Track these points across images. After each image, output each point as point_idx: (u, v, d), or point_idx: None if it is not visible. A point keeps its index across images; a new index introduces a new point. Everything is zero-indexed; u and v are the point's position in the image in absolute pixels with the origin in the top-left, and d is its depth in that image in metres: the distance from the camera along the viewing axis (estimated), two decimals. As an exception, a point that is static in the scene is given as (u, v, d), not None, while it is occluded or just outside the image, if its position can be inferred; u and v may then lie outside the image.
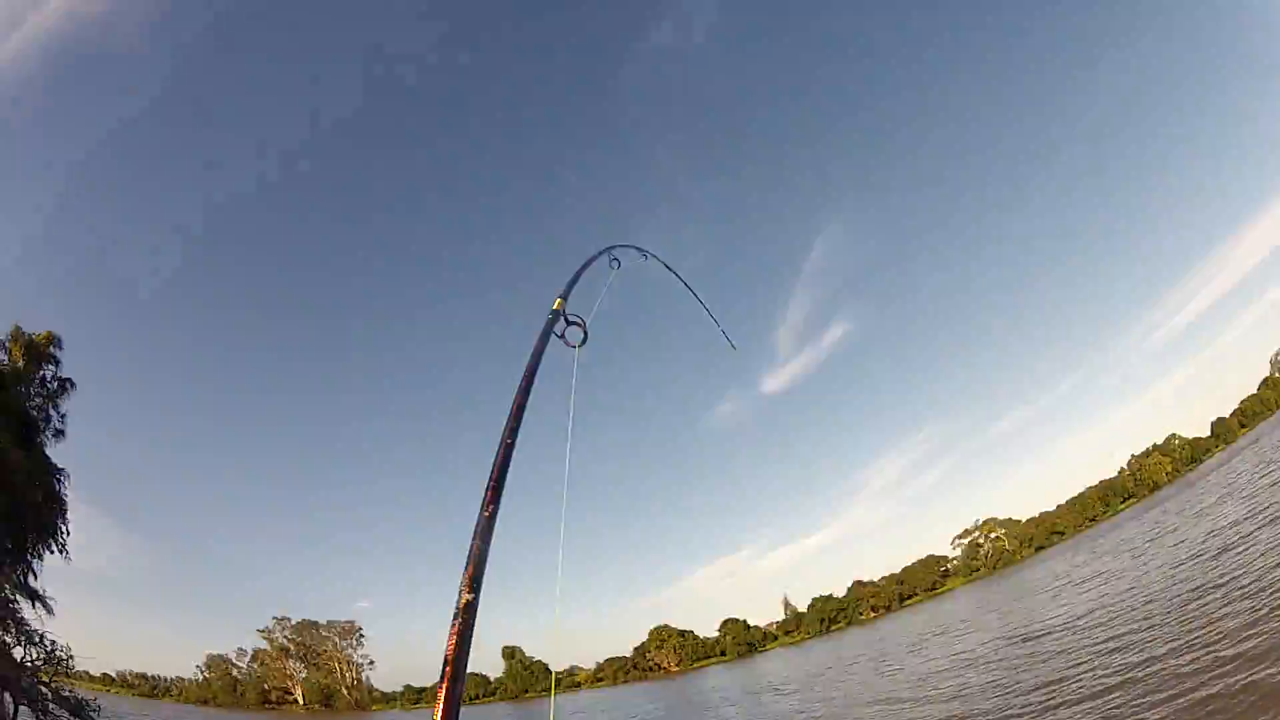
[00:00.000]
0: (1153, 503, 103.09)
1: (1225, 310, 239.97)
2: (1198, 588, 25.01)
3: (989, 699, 23.18)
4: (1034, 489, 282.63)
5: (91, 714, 28.28)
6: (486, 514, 2.82)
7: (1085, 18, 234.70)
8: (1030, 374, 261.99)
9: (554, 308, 4.33)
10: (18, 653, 28.14)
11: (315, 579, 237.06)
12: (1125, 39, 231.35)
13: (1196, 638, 18.92)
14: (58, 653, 28.72)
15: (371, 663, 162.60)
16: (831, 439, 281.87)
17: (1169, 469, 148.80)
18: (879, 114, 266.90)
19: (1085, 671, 20.99)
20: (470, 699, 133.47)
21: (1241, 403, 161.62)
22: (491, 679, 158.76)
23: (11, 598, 29.10)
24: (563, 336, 4.28)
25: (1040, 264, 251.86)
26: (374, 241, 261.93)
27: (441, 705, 2.28)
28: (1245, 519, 34.04)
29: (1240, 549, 27.15)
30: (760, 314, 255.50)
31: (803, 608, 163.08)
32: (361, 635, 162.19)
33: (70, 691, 28.42)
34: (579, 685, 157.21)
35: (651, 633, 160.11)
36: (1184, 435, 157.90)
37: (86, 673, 35.83)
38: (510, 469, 3.12)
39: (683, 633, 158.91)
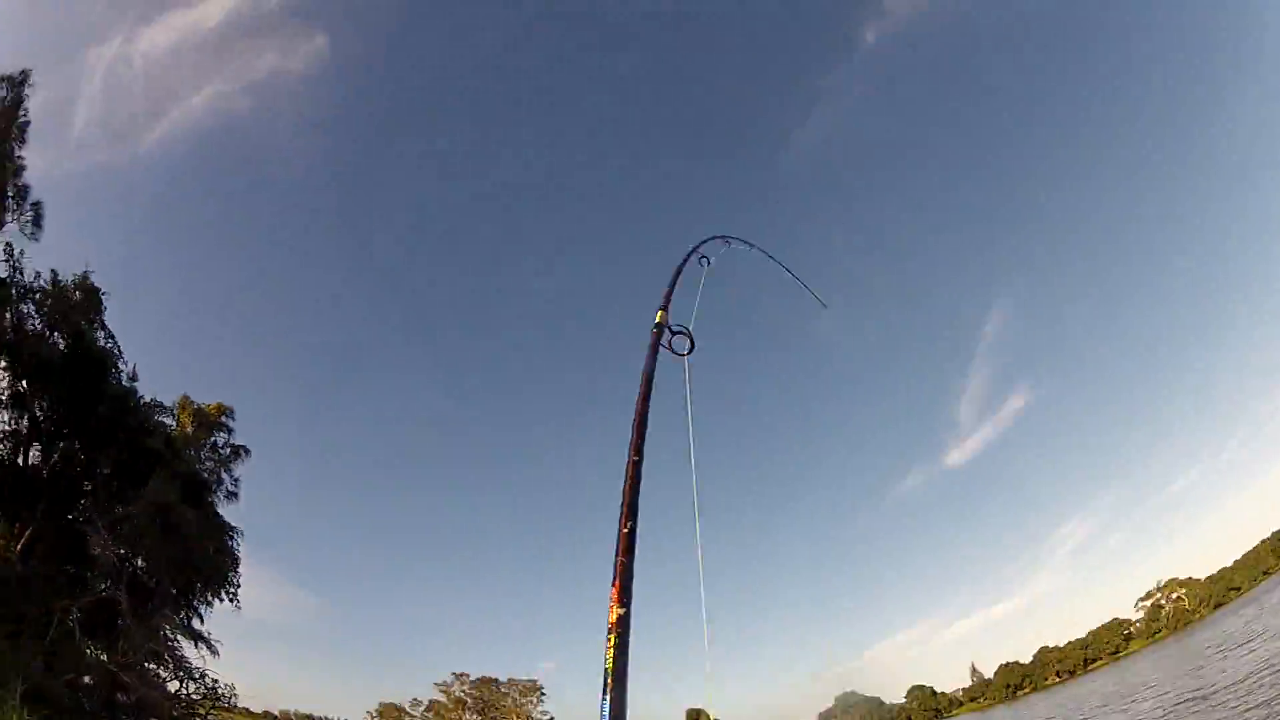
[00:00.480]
0: None
1: None
2: None
3: None
4: (1210, 546, 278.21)
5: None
6: (625, 530, 2.84)
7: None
8: (1196, 433, 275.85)
9: (657, 320, 4.32)
10: (172, 686, 28.84)
11: (500, 639, 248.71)
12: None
13: None
14: (219, 689, 29.59)
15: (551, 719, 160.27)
16: (1013, 509, 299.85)
17: None
18: (1041, 195, 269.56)
19: None
20: None
21: None
22: None
23: (172, 637, 29.62)
24: (669, 346, 4.28)
25: (1199, 328, 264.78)
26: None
27: (608, 710, 2.32)
28: None
29: None
30: (940, 389, 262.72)
31: (989, 674, 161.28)
32: (543, 693, 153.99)
33: (224, 724, 26.66)
34: None
35: (837, 699, 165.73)
36: None
37: (247, 710, 35.54)
38: (643, 486, 3.07)
39: (868, 698, 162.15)
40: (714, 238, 6.55)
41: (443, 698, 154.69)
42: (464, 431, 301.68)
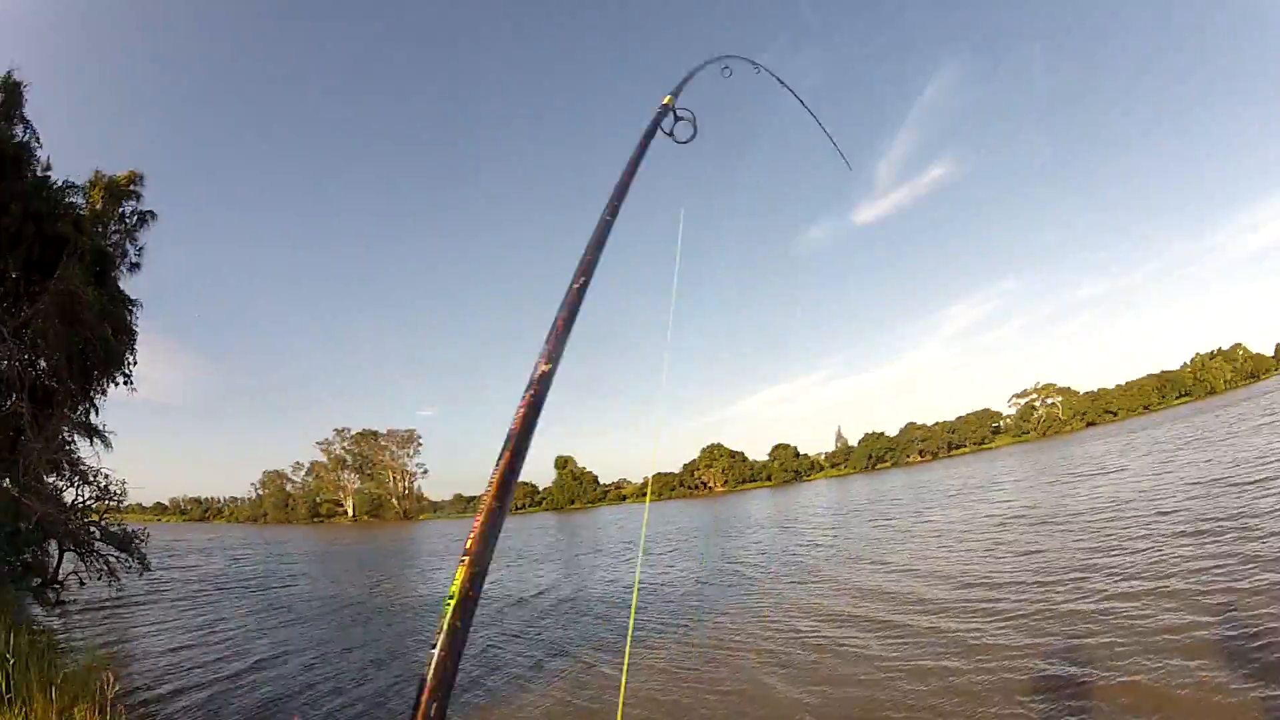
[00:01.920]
0: (1204, 408, 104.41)
1: None
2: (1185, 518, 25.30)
3: (975, 570, 24.49)
4: (1096, 364, 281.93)
5: (139, 546, 27.55)
6: (577, 285, 2.66)
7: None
8: (1118, 246, 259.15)
9: (664, 103, 4.12)
10: (69, 495, 27.39)
11: (381, 391, 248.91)
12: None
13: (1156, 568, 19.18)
14: (110, 488, 28.03)
15: (425, 471, 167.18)
16: (913, 277, 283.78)
17: (1229, 377, 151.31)
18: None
19: (1062, 566, 22.01)
20: (516, 507, 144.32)
21: None
22: (540, 488, 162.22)
23: (69, 439, 28.14)
24: (671, 133, 4.07)
25: (1151, 136, 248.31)
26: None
27: (499, 471, 1.95)
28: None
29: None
30: (864, 146, 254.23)
31: (854, 441, 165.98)
32: (420, 443, 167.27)
33: (119, 526, 27.82)
34: (625, 498, 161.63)
35: (703, 451, 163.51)
36: (1250, 349, 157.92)
37: (139, 505, 34.59)
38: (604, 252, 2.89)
39: (733, 453, 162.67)
40: (748, 59, 6.06)
41: (323, 457, 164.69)
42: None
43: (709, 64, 5.28)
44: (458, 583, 1.72)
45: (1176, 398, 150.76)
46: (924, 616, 18.73)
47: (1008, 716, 11.72)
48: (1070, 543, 25.03)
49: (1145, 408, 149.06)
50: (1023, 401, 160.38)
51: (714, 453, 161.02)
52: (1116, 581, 18.29)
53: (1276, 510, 22.26)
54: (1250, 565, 16.96)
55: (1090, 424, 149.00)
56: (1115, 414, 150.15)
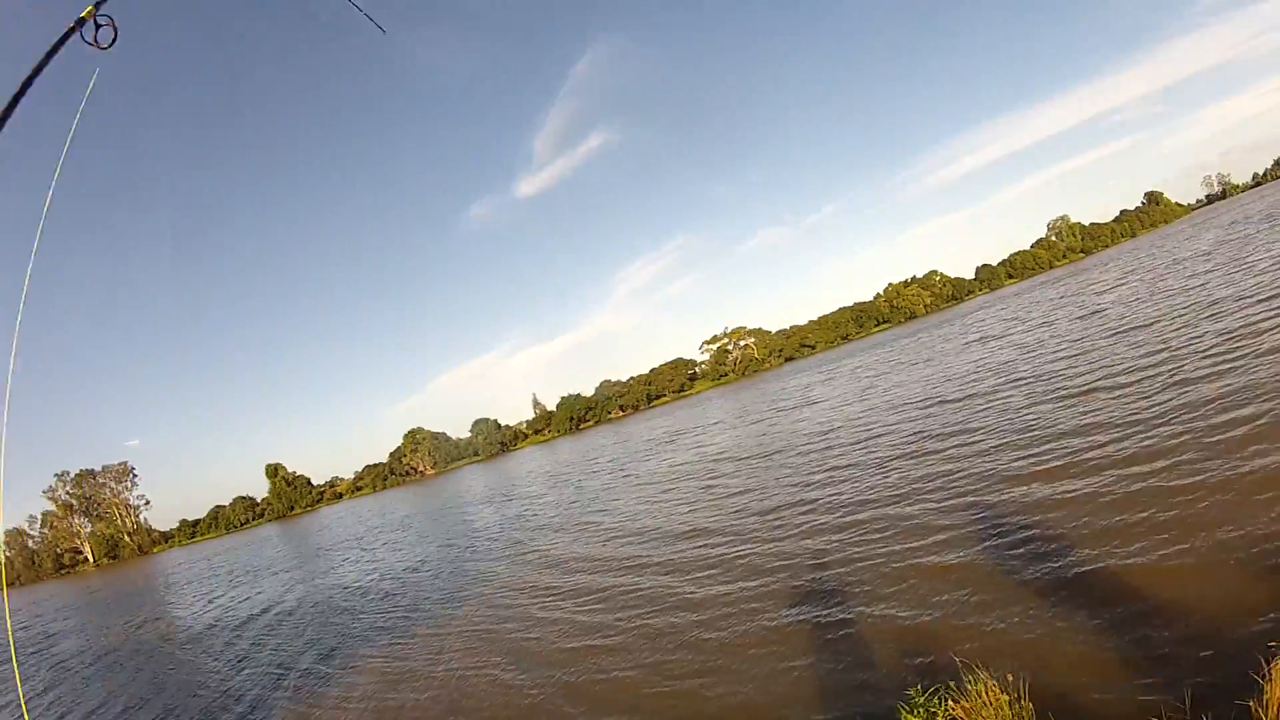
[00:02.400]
0: (906, 331, 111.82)
1: (1011, 169, 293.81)
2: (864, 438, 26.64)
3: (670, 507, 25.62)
4: (788, 305, 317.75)
5: None
6: None
7: None
8: (786, 197, 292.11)
9: (82, 15, 3.81)
10: None
11: (87, 426, 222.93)
12: None
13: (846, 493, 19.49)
14: None
15: (147, 502, 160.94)
16: (584, 243, 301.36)
17: (928, 301, 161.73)
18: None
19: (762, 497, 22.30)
20: (240, 523, 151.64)
21: (1012, 255, 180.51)
22: (259, 499, 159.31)
23: None
24: (94, 40, 3.78)
25: (816, 92, 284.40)
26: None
27: None
28: (963, 374, 35.44)
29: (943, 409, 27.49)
30: (520, 121, 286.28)
31: (552, 406, 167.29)
32: (135, 476, 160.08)
33: None
34: (341, 496, 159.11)
35: (406, 436, 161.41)
36: (947, 274, 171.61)
37: None
38: None
39: (436, 435, 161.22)
40: None
41: (52, 506, 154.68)
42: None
43: None
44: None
45: (875, 326, 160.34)
46: (640, 576, 17.99)
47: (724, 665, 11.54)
48: (772, 480, 24.81)
49: (844, 338, 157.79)
50: (714, 347, 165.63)
51: (416, 436, 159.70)
52: (831, 514, 17.98)
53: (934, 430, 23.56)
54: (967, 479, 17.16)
55: (789, 359, 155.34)
56: (814, 347, 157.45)
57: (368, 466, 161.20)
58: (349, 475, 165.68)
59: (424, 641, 17.94)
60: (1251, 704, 5.79)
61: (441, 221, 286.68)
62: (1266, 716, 5.58)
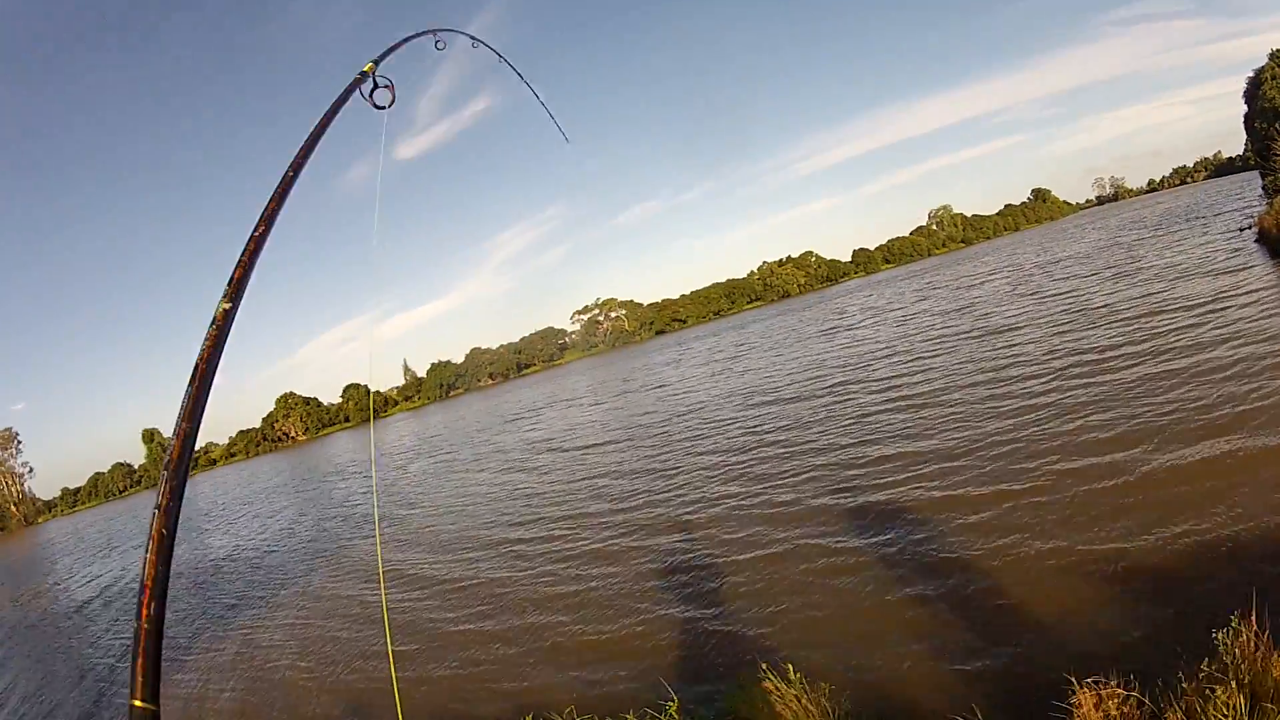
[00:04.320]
0: (775, 310, 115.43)
1: (899, 157, 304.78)
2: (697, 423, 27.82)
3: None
4: (664, 279, 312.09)
5: None
6: (258, 234, 2.84)
7: None
8: (663, 174, 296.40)
9: (364, 69, 4.07)
10: None
11: None
12: None
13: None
14: None
15: (31, 470, 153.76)
16: (461, 209, 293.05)
17: (801, 281, 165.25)
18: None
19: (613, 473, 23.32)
20: (120, 491, 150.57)
21: (890, 240, 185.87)
22: (136, 467, 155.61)
23: None
24: (370, 97, 4.03)
25: (695, 70, 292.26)
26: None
27: (190, 401, 2.28)
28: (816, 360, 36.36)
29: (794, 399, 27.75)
30: (405, 81, 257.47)
31: (422, 373, 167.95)
32: (19, 442, 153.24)
33: None
34: (215, 462, 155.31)
35: (278, 402, 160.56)
36: (823, 255, 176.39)
37: None
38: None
39: (307, 400, 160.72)
40: (465, 33, 6.44)
41: None
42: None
43: (420, 36, 5.34)
44: (163, 496, 2.03)
45: (748, 303, 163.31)
46: (493, 561, 17.53)
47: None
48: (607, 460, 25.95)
49: (716, 313, 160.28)
50: (585, 317, 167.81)
51: (288, 402, 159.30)
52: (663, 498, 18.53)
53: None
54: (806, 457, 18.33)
55: (660, 332, 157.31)
56: (684, 321, 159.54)
57: (240, 432, 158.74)
58: (223, 441, 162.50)
59: (264, 632, 17.48)
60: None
61: (319, 183, 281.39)
62: None
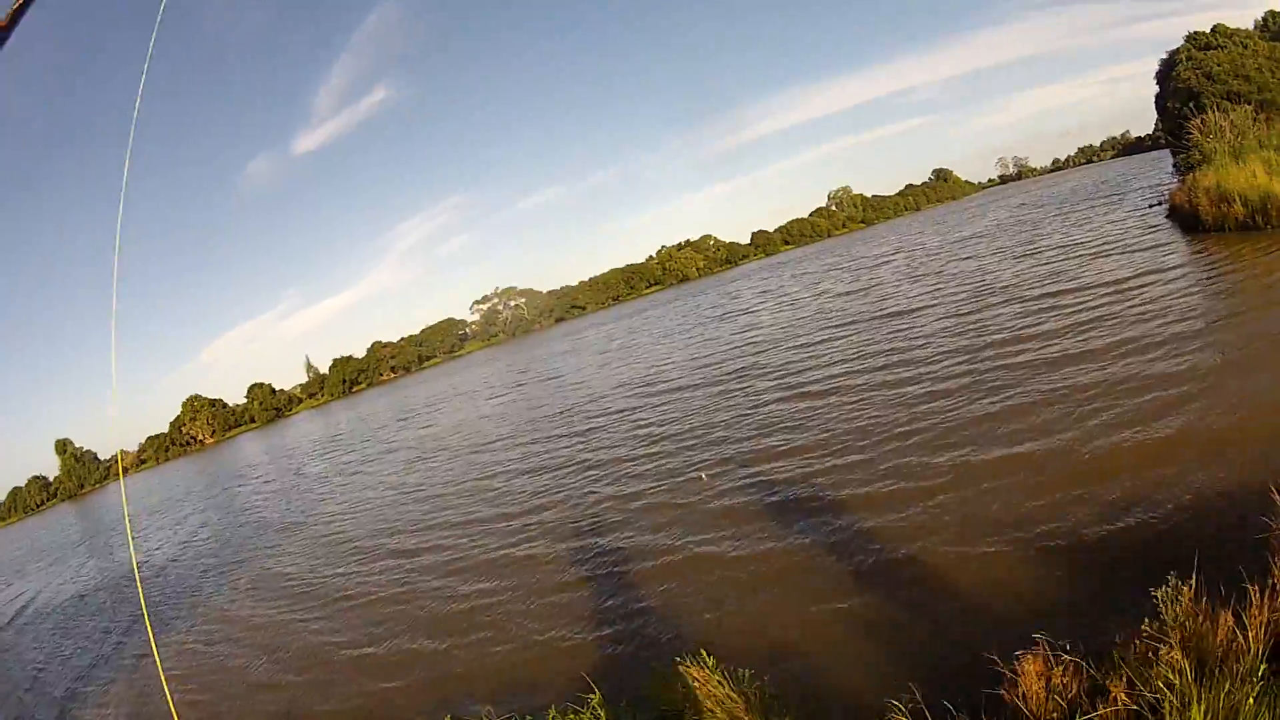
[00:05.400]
0: (673, 294, 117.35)
1: (800, 139, 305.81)
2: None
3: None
4: (560, 266, 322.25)
5: None
6: None
7: None
8: (563, 159, 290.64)
9: None
10: None
11: None
12: None
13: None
14: None
15: None
16: (361, 200, 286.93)
17: (700, 264, 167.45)
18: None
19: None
20: (37, 506, 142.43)
21: (789, 222, 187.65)
22: (51, 479, 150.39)
23: None
24: None
25: (598, 54, 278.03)
26: None
27: None
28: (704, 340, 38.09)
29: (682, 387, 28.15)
30: (298, 75, 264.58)
31: (325, 370, 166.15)
32: None
33: None
34: (127, 470, 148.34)
35: (184, 405, 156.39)
36: (721, 238, 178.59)
37: None
38: None
39: (213, 402, 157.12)
40: None
41: None
42: None
43: None
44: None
45: (647, 287, 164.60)
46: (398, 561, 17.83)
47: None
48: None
49: (615, 299, 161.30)
50: (485, 306, 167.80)
51: (194, 404, 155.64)
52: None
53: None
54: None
55: (560, 320, 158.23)
56: (584, 308, 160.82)
57: (149, 438, 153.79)
58: (134, 448, 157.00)
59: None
60: (1004, 693, 5.65)
61: (217, 178, 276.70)
62: (1023, 706, 5.43)
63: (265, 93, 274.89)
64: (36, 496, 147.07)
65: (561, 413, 31.63)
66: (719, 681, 7.00)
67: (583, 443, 23.88)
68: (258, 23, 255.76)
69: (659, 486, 16.50)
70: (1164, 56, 45.13)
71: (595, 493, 17.79)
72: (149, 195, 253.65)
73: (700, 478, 15.91)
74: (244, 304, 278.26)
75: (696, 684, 7.05)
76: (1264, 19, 45.56)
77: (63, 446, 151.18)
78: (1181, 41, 43.27)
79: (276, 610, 17.42)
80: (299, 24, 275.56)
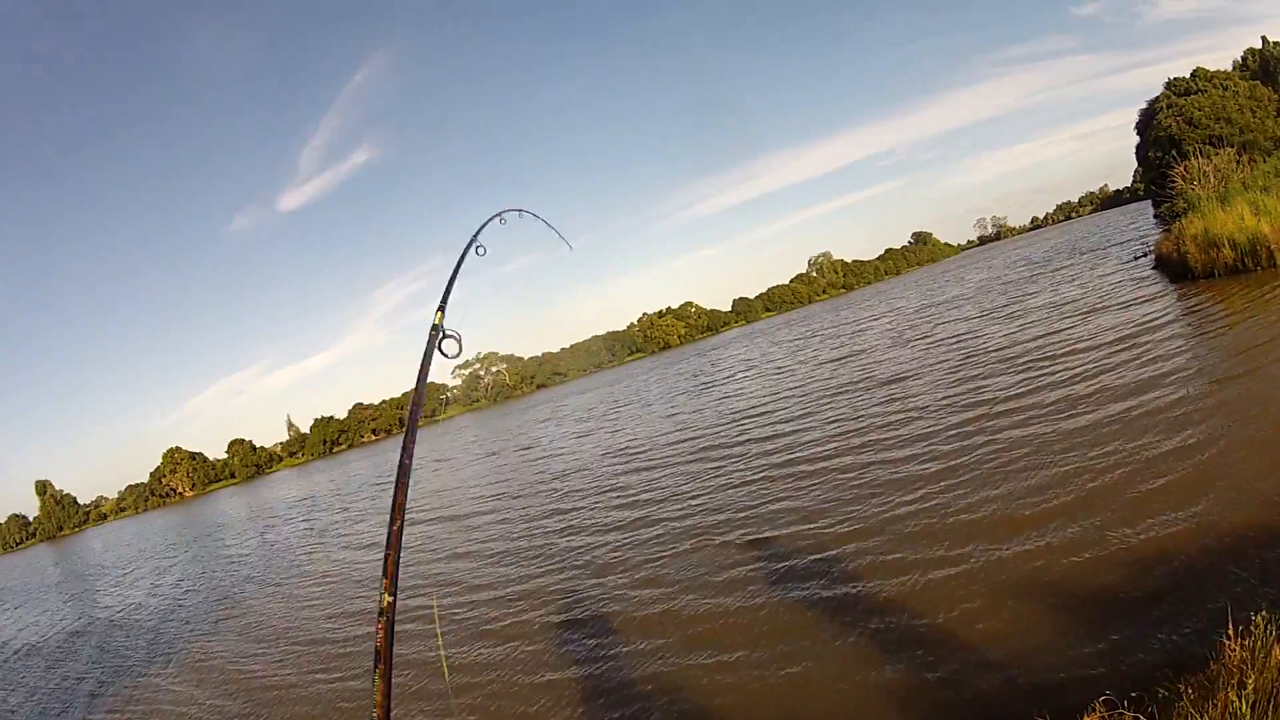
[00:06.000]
0: (662, 360, 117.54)
1: (770, 207, 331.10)
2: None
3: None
4: (543, 332, 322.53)
5: None
6: (395, 527, 3.16)
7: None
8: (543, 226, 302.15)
9: (435, 321, 4.49)
10: None
11: None
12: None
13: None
14: None
15: None
16: (344, 260, 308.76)
17: (681, 331, 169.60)
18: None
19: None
20: (15, 544, 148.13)
21: (771, 289, 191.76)
22: (31, 519, 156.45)
23: None
24: (439, 348, 4.37)
25: (578, 119, 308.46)
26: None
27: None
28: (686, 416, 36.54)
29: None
30: (285, 131, 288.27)
31: (305, 429, 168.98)
32: None
33: None
34: (105, 516, 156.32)
35: (165, 456, 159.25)
36: (703, 305, 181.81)
37: None
38: None
39: (194, 455, 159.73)
40: (518, 209, 6.58)
41: None
42: None
43: (475, 240, 5.58)
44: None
45: (629, 355, 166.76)
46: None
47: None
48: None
49: (597, 366, 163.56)
50: (467, 372, 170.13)
51: (175, 456, 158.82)
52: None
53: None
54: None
55: (541, 386, 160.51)
56: (565, 374, 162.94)
57: (129, 486, 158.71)
58: (113, 495, 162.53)
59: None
60: None
61: (202, 233, 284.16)
62: None
63: (253, 146, 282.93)
64: (16, 534, 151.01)
65: (537, 483, 30.30)
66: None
67: (555, 520, 22.64)
68: (246, 77, 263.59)
69: (634, 564, 15.72)
70: (1144, 106, 46.31)
71: (567, 577, 16.41)
72: (141, 243, 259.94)
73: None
74: (228, 359, 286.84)
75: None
76: (1243, 58, 46.69)
77: (43, 488, 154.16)
78: (1161, 89, 44.25)
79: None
80: (287, 81, 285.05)
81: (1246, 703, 4.70)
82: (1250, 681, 4.85)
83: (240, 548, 39.77)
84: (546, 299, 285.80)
